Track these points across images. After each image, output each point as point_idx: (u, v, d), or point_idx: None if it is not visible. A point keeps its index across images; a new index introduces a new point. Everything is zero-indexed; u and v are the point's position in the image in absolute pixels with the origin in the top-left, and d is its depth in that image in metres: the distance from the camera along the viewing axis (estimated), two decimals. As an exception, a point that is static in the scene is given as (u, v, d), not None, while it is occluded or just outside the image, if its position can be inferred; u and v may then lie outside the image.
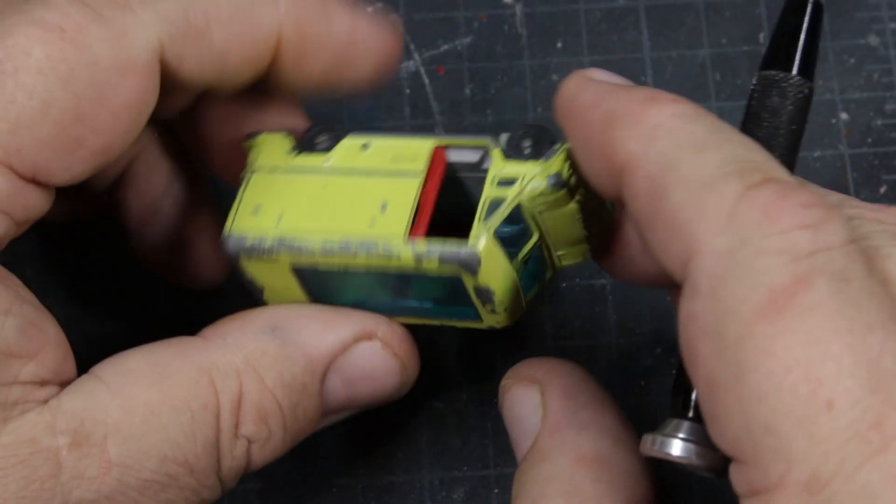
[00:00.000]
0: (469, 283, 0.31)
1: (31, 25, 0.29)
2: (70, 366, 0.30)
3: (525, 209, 0.31)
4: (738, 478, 0.24)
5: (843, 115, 0.43)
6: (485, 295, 0.31)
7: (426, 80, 0.44)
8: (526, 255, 0.32)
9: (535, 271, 0.33)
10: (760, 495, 0.23)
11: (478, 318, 0.33)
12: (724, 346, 0.23)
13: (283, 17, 0.32)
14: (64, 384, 0.29)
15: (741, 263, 0.23)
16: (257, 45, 0.32)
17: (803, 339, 0.22)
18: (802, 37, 0.31)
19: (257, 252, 0.32)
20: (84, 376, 0.30)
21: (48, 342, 0.29)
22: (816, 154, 0.43)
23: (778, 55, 0.31)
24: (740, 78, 0.44)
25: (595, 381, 0.31)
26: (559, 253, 0.33)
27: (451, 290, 0.32)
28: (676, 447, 0.27)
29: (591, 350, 0.41)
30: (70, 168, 0.30)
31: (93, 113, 0.29)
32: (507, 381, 0.33)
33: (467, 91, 0.44)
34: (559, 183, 0.31)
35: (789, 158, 0.31)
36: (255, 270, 0.33)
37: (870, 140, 0.43)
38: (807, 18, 0.31)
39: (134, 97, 0.30)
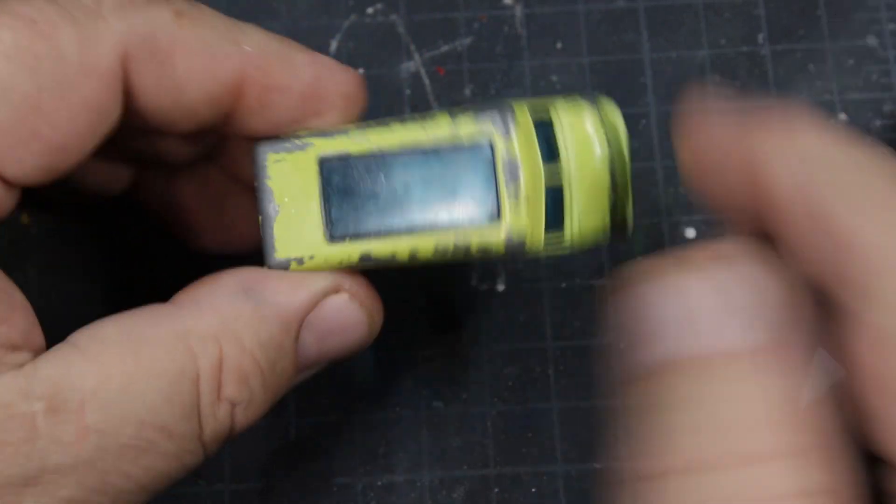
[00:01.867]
0: (499, 150, 0.31)
1: (3, 14, 0.29)
2: (38, 333, 0.30)
3: (555, 123, 0.32)
4: None
5: (842, 116, 0.44)
6: (512, 169, 0.31)
7: (426, 81, 0.44)
8: (551, 179, 0.32)
9: (556, 212, 0.32)
10: None
11: (496, 215, 0.32)
12: None
13: (247, 60, 0.32)
14: (35, 352, 0.30)
15: None
16: (218, 81, 0.31)
17: None
18: None
19: (288, 146, 0.32)
20: (59, 344, 0.30)
21: (16, 307, 0.29)
22: (815, 155, 0.43)
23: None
24: (739, 79, 0.44)
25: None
26: (579, 211, 0.32)
27: (470, 180, 0.32)
28: None
29: (589, 350, 0.41)
30: (21, 160, 0.29)
31: (53, 107, 0.29)
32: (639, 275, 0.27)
33: (467, 91, 0.44)
34: (594, 104, 0.32)
35: None
36: (277, 176, 0.33)
37: (869, 141, 0.43)
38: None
39: (95, 100, 0.30)
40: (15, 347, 0.29)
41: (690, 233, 0.42)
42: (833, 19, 0.45)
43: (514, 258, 0.31)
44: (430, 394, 0.40)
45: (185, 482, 0.39)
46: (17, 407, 0.28)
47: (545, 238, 0.32)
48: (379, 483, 0.39)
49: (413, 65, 0.45)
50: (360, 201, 0.33)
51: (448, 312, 0.41)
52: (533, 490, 0.39)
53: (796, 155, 0.25)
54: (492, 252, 0.32)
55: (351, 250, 0.32)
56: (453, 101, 0.44)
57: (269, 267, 0.33)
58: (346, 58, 0.44)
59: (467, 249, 0.32)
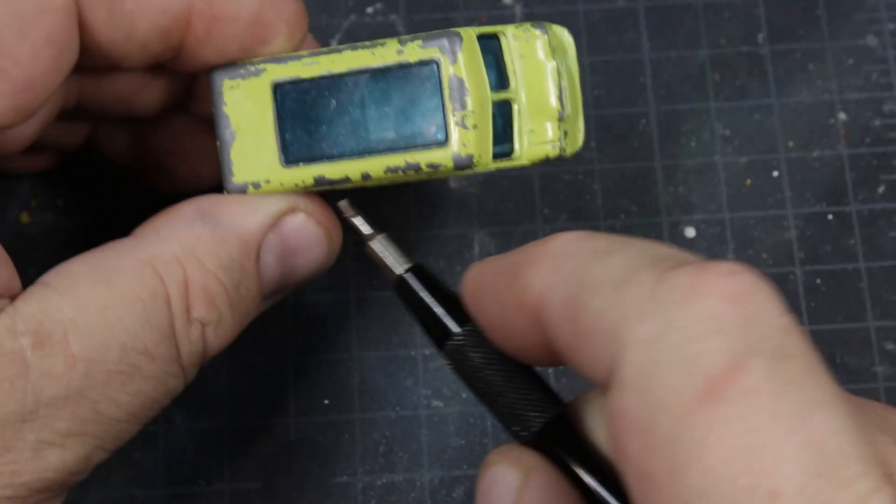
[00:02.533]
0: (445, 71, 0.31)
1: None
2: (17, 283, 0.31)
3: (504, 49, 0.33)
4: None
5: (842, 116, 0.44)
6: (459, 89, 0.31)
7: (426, 81, 0.44)
8: (499, 98, 0.32)
9: (503, 134, 0.33)
10: None
11: (444, 138, 0.32)
12: (657, 442, 0.22)
13: None
14: (13, 298, 0.30)
15: (669, 350, 0.22)
16: (166, 13, 0.32)
17: (742, 427, 0.21)
18: (431, 303, 0.30)
19: (242, 73, 0.33)
20: (32, 286, 0.31)
21: None
22: (815, 154, 0.43)
23: (436, 331, 0.30)
24: (739, 79, 0.44)
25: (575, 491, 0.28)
26: (529, 128, 0.33)
27: (418, 102, 0.32)
28: None
29: (590, 350, 0.41)
30: None
31: (15, 45, 0.30)
32: (493, 457, 0.30)
33: (467, 91, 0.44)
34: (543, 28, 0.33)
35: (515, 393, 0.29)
36: (233, 102, 0.34)
37: (868, 140, 0.43)
38: (420, 286, 0.31)
39: (54, 34, 0.30)
40: None
41: (690, 232, 0.42)
42: (833, 19, 0.45)
43: (465, 172, 0.32)
44: (429, 393, 0.40)
45: (185, 482, 0.39)
46: (5, 345, 0.28)
47: (494, 155, 0.32)
48: (379, 483, 0.39)
49: (413, 65, 0.45)
50: (313, 126, 0.33)
51: (448, 312, 0.41)
52: (533, 490, 0.39)
53: (549, 258, 0.26)
54: (441, 169, 0.32)
55: (305, 174, 0.33)
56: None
57: (227, 191, 0.34)
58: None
59: (418, 168, 0.32)
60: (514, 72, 0.33)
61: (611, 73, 0.44)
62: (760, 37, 0.45)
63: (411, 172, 0.32)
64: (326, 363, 0.41)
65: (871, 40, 0.45)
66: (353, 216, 0.33)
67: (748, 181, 0.43)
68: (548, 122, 0.33)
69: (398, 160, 0.32)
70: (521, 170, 0.43)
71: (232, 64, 0.34)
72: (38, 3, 0.30)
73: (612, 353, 0.23)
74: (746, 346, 0.22)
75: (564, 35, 0.34)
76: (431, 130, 0.32)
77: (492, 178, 0.43)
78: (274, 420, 0.40)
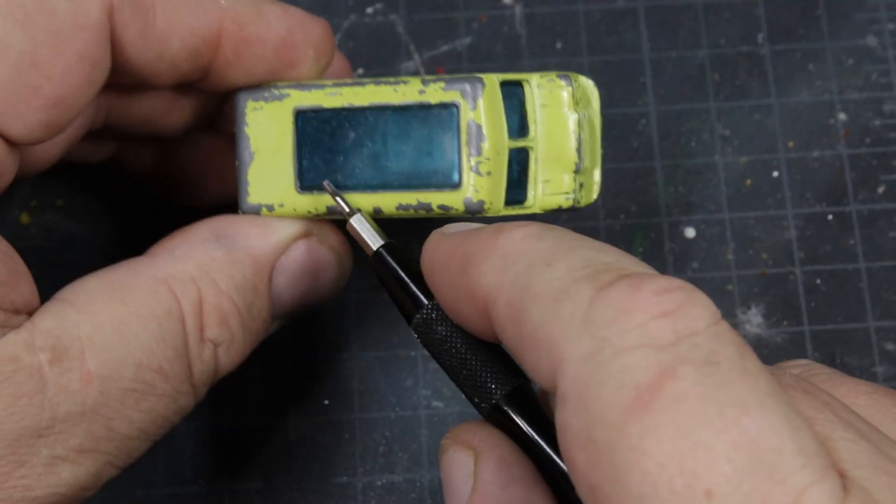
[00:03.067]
0: (465, 116, 0.32)
1: None
2: (36, 299, 0.31)
3: (527, 97, 0.33)
4: None
5: (842, 116, 0.44)
6: (476, 135, 0.32)
7: (426, 81, 0.44)
8: (517, 146, 0.33)
9: (518, 181, 0.33)
10: None
11: (457, 182, 0.32)
12: (598, 453, 0.22)
13: (223, 13, 0.33)
14: (31, 314, 0.31)
15: (602, 366, 0.23)
16: (198, 33, 0.32)
17: (673, 432, 0.22)
18: (405, 276, 0.31)
19: (267, 95, 0.34)
20: (48, 302, 0.31)
21: (21, 273, 0.31)
22: (815, 154, 0.43)
23: (405, 306, 0.31)
24: (739, 79, 0.44)
25: (529, 460, 0.29)
26: (545, 177, 0.33)
27: (435, 143, 0.32)
28: None
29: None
30: (23, 116, 0.30)
31: (49, 61, 0.30)
32: (444, 442, 0.30)
33: (467, 91, 0.44)
34: (568, 80, 0.33)
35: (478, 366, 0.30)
36: (255, 124, 0.34)
37: (868, 140, 0.43)
38: (392, 261, 0.32)
39: (87, 52, 0.30)
40: (17, 311, 0.30)
41: (690, 232, 0.42)
42: (833, 19, 0.45)
43: (476, 216, 0.32)
44: (429, 393, 0.40)
45: (186, 482, 0.39)
46: (23, 360, 0.29)
47: (507, 202, 0.33)
48: (379, 483, 0.39)
49: (413, 64, 0.45)
50: (331, 155, 0.34)
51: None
52: (533, 490, 0.39)
53: (498, 257, 0.26)
54: (452, 212, 0.32)
55: (318, 202, 0.34)
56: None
57: (242, 211, 0.34)
58: (346, 57, 0.44)
59: (429, 208, 0.32)
60: (535, 120, 0.33)
61: (611, 73, 0.44)
62: (760, 37, 0.45)
63: (422, 212, 0.33)
64: (326, 363, 0.41)
65: (871, 40, 0.45)
66: (335, 194, 0.33)
67: (748, 181, 0.43)
68: (564, 173, 0.33)
69: (410, 198, 0.33)
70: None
71: (257, 86, 0.34)
72: (74, 20, 0.30)
73: (552, 365, 0.24)
74: (675, 355, 0.22)
75: (589, 86, 0.35)
76: (446, 172, 0.32)
77: (492, 178, 0.43)
78: (274, 420, 0.40)
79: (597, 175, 0.34)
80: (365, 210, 0.33)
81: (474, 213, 0.32)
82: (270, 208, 0.34)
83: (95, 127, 0.36)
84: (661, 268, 0.42)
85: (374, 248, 0.32)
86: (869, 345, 0.41)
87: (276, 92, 0.34)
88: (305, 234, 0.34)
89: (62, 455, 0.29)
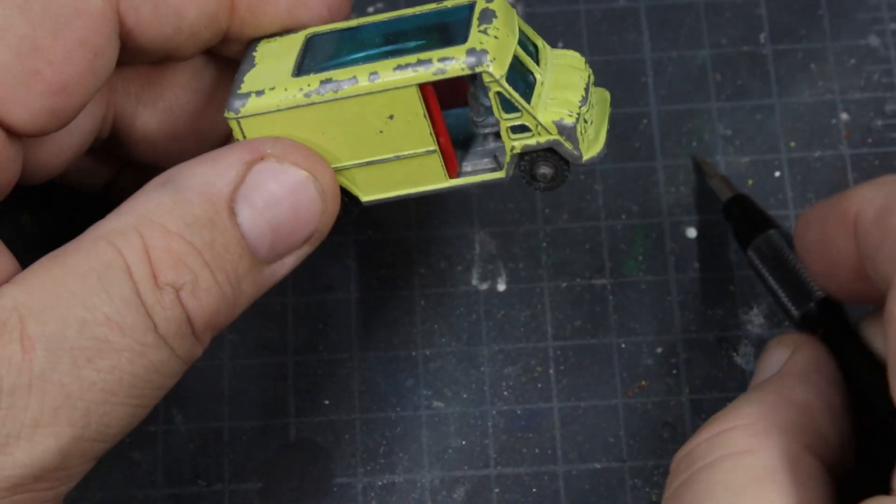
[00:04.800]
0: (480, 5, 0.32)
1: None
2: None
3: (540, 49, 0.34)
4: None
5: (844, 116, 0.44)
6: (488, 14, 0.32)
7: (427, 81, 0.44)
8: (527, 66, 0.32)
9: (525, 95, 0.32)
10: None
11: (464, 40, 0.31)
12: None
13: None
14: None
15: None
16: None
17: None
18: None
19: (282, 35, 0.34)
20: None
21: None
22: (817, 154, 0.43)
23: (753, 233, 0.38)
24: (740, 78, 0.44)
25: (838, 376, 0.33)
26: (551, 97, 0.32)
27: (448, 23, 0.32)
28: None
29: (591, 350, 0.41)
30: (25, 103, 0.30)
31: (49, 45, 0.30)
32: (770, 342, 0.34)
33: (468, 91, 0.44)
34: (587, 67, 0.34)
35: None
36: (264, 50, 0.34)
37: (870, 140, 0.43)
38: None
39: (89, 38, 0.30)
40: None
41: (692, 232, 0.42)
42: (835, 19, 0.45)
43: (477, 83, 0.32)
44: (430, 394, 0.40)
45: (185, 482, 0.39)
46: None
47: (508, 70, 0.31)
48: (379, 483, 0.39)
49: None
50: (335, 53, 0.33)
51: (448, 312, 0.41)
52: (534, 490, 0.39)
53: (873, 184, 0.31)
54: (452, 68, 0.31)
55: (312, 79, 0.32)
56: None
57: (228, 108, 0.32)
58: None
59: (428, 63, 0.31)
60: (547, 62, 0.33)
61: (612, 73, 0.44)
62: (762, 36, 0.45)
63: (421, 73, 0.31)
64: (327, 363, 0.41)
65: (873, 40, 0.45)
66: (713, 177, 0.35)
67: (750, 181, 0.43)
68: (571, 97, 0.32)
69: (410, 58, 0.31)
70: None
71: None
72: (73, 5, 0.30)
73: None
74: None
75: (604, 91, 0.35)
76: (454, 36, 0.32)
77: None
78: (274, 420, 0.40)
79: (603, 133, 0.34)
80: (360, 77, 0.31)
81: (474, 69, 0.31)
82: (260, 93, 0.32)
83: (103, 135, 0.36)
84: (662, 269, 0.42)
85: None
86: (871, 345, 0.40)
87: (291, 33, 0.34)
88: (259, 157, 0.32)
89: (14, 433, 0.28)
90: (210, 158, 0.32)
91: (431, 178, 0.33)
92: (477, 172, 0.33)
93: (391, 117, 0.32)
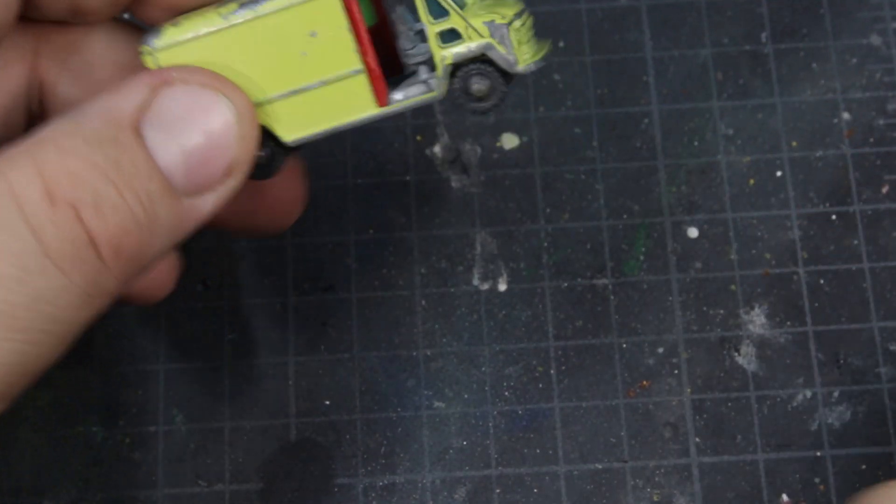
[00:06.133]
0: None
1: None
2: None
3: None
4: None
5: (845, 115, 0.43)
6: None
7: (427, 80, 0.44)
8: None
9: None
10: None
11: None
12: None
13: None
14: None
15: None
16: None
17: None
18: None
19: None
20: None
21: None
22: (818, 154, 0.43)
23: None
24: (742, 77, 0.44)
25: None
26: (481, 7, 0.32)
27: None
28: None
29: (591, 350, 0.40)
30: None
31: None
32: None
33: (468, 90, 0.44)
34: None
35: None
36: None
37: (872, 140, 0.43)
38: None
39: None
40: None
41: (693, 232, 0.42)
42: (836, 18, 0.45)
43: None
44: (431, 394, 0.40)
45: (185, 482, 0.39)
46: None
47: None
48: (380, 483, 0.39)
49: (414, 63, 0.45)
50: None
51: (449, 312, 0.41)
52: (535, 490, 0.39)
53: None
54: None
55: (231, 5, 0.31)
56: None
57: (143, 44, 0.31)
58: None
59: None
60: None
61: (613, 72, 0.44)
62: (763, 35, 0.45)
63: None
64: (327, 363, 0.41)
65: (875, 39, 0.44)
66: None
67: (751, 181, 0.43)
68: (503, 11, 0.31)
69: None
70: (519, 163, 0.42)
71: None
72: None
73: None
74: None
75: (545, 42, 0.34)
76: None
77: (493, 178, 0.43)
78: (274, 420, 0.40)
79: (542, 53, 0.32)
80: None
81: None
82: (176, 23, 0.31)
83: (33, 106, 0.34)
84: (664, 268, 0.41)
85: None
86: (873, 345, 0.40)
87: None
88: (164, 82, 0.30)
89: None
90: (113, 87, 0.30)
91: (359, 107, 0.32)
92: (408, 97, 0.32)
93: (313, 34, 0.31)
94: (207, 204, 0.30)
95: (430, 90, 0.32)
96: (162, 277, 0.36)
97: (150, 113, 0.29)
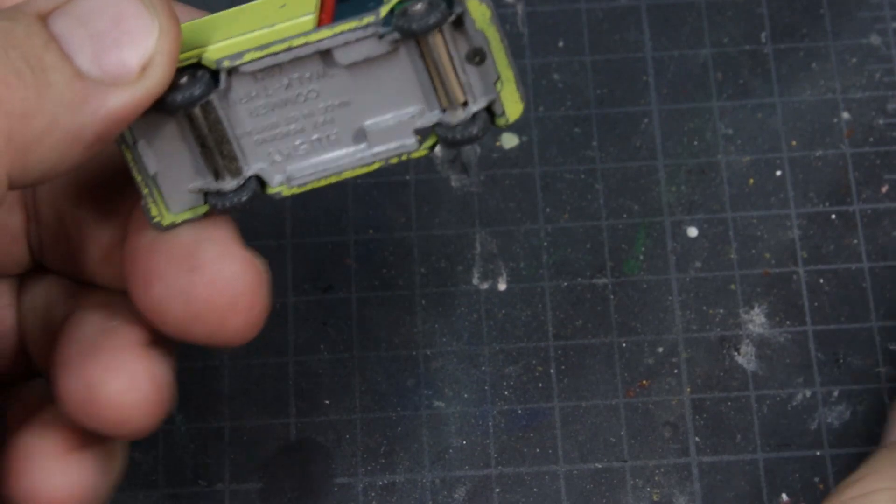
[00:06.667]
0: None
1: None
2: None
3: None
4: None
5: (845, 115, 0.43)
6: None
7: (427, 80, 0.44)
8: None
9: None
10: None
11: None
12: None
13: None
14: None
15: None
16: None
17: None
18: None
19: None
20: None
21: None
22: (818, 154, 0.43)
23: None
24: (742, 77, 0.44)
25: None
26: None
27: None
28: None
29: (592, 349, 0.40)
30: None
31: None
32: None
33: (468, 90, 0.44)
34: None
35: None
36: None
37: (871, 140, 0.43)
38: None
39: None
40: None
41: (692, 232, 0.42)
42: (836, 18, 0.45)
43: None
44: (430, 393, 0.40)
45: (185, 482, 0.39)
46: None
47: None
48: (380, 483, 0.39)
49: (414, 63, 0.45)
50: None
51: (448, 312, 0.41)
52: (535, 490, 0.39)
53: None
54: None
55: None
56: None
57: None
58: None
59: None
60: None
61: (613, 72, 0.44)
62: (763, 35, 0.45)
63: None
64: (327, 363, 0.41)
65: (875, 39, 0.44)
66: None
67: (751, 180, 0.43)
68: None
69: None
70: (523, 169, 0.42)
71: None
72: None
73: None
74: None
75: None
76: None
77: (493, 178, 0.43)
78: (274, 420, 0.40)
79: (515, 87, 0.30)
80: None
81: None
82: None
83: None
84: (664, 268, 0.41)
85: None
86: (873, 345, 0.40)
87: None
88: None
89: None
90: None
91: (295, 25, 0.28)
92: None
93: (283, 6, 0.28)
94: (119, 100, 0.27)
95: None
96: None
97: (61, 10, 0.27)
